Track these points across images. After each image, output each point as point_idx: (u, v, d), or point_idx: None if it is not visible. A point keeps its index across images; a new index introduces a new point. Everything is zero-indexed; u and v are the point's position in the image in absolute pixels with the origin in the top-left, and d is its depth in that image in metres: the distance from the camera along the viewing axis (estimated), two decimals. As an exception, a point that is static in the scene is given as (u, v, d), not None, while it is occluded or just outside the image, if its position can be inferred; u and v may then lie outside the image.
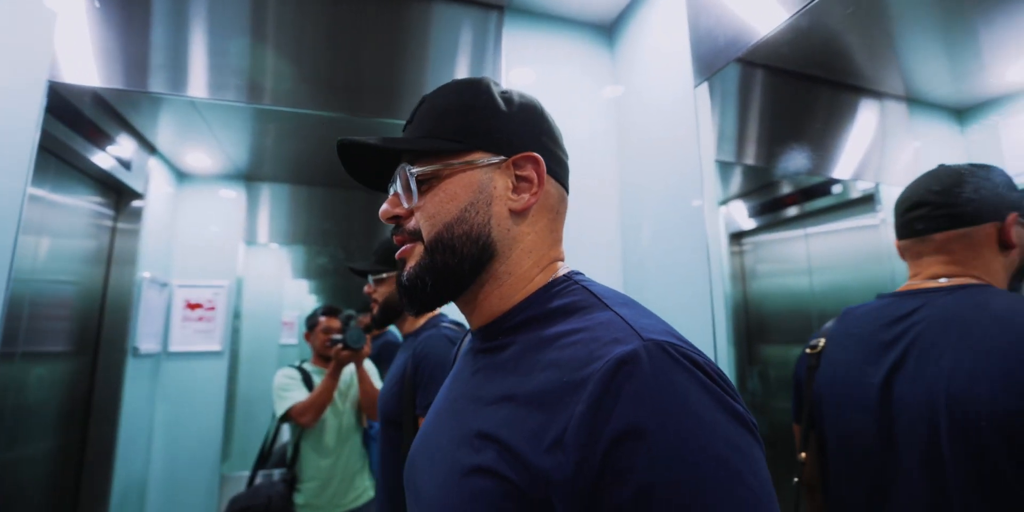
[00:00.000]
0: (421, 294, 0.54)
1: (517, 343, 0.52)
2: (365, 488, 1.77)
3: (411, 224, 0.55)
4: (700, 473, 0.37)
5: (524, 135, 0.57)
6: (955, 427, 0.68)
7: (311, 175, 2.10)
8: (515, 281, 0.55)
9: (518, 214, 0.55)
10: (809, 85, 1.22)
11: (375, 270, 1.39)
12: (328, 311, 1.87)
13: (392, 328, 2.03)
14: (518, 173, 0.56)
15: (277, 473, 1.77)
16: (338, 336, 1.72)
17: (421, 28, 1.60)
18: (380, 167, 0.61)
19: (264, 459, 1.75)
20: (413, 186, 0.54)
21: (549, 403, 0.43)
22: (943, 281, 0.82)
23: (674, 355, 0.41)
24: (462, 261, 0.54)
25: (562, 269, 0.57)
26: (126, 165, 1.81)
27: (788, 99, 1.30)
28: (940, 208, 0.84)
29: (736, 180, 1.54)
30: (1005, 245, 0.82)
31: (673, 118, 1.41)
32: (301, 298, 2.45)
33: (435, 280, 0.53)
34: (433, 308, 0.57)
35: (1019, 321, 0.68)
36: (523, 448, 0.42)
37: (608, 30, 1.70)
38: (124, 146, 1.79)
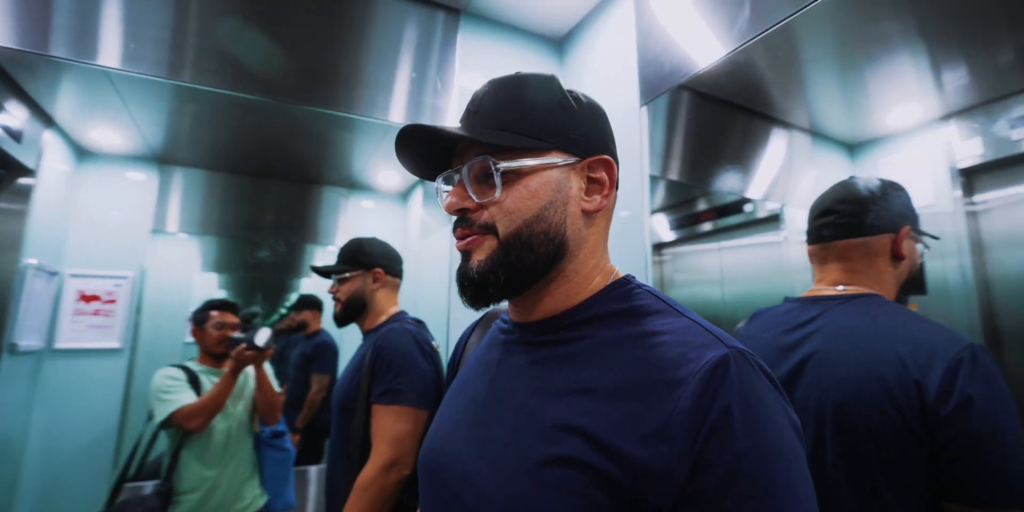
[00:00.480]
0: (491, 289, 0.54)
1: (587, 338, 0.54)
2: (255, 497, 1.64)
3: (483, 218, 0.55)
4: (773, 469, 0.43)
5: (595, 137, 0.59)
6: (839, 433, 0.74)
7: (231, 162, 1.97)
8: (580, 280, 0.58)
9: (588, 215, 0.58)
10: (735, 113, 1.39)
11: (339, 270, 1.39)
12: (220, 305, 1.70)
13: (329, 329, 1.96)
14: (591, 175, 0.58)
15: (150, 486, 1.59)
16: (238, 334, 1.59)
17: (366, 20, 1.58)
18: (434, 156, 0.60)
19: (128, 469, 1.55)
20: (498, 180, 0.54)
21: (641, 397, 0.46)
22: (840, 289, 0.90)
23: (752, 362, 0.47)
24: (538, 258, 0.55)
25: (616, 272, 0.60)
26: (15, 136, 1.59)
27: (716, 124, 1.46)
28: (844, 217, 0.91)
29: (660, 194, 1.70)
30: (896, 256, 0.90)
31: (618, 134, 1.53)
32: (211, 293, 2.29)
33: (508, 276, 0.54)
34: (497, 302, 0.57)
35: (896, 335, 0.76)
36: (613, 438, 0.45)
37: (559, 43, 1.80)
38: (14, 115, 1.58)
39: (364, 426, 1.22)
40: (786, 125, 1.36)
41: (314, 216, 1.93)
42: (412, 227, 1.85)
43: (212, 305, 1.69)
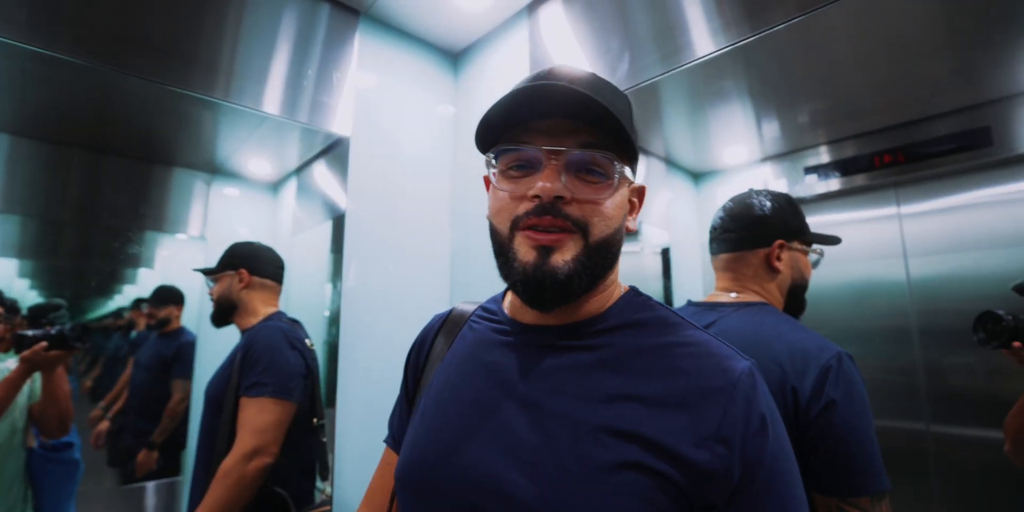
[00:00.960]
0: (572, 292, 0.53)
1: (613, 345, 0.55)
2: None
3: (576, 212, 0.52)
4: (786, 451, 0.51)
5: (636, 163, 0.60)
6: None
7: (45, 128, 1.65)
8: (611, 290, 0.60)
9: (625, 233, 0.59)
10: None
11: (210, 270, 1.46)
12: None
13: (191, 329, 1.72)
14: (632, 199, 0.60)
15: None
16: (30, 331, 1.32)
17: (240, 4, 1.48)
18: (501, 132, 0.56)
19: None
20: (616, 180, 0.53)
21: (688, 404, 0.49)
22: (733, 296, 0.99)
23: (760, 372, 0.53)
24: (606, 269, 0.56)
25: (622, 284, 0.63)
26: None
27: None
28: (726, 232, 1.01)
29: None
30: (772, 269, 0.98)
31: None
32: (8, 281, 1.89)
33: (588, 282, 0.53)
34: (560, 306, 0.55)
35: (779, 343, 0.84)
36: (670, 442, 0.47)
37: (455, 58, 1.87)
38: None
39: (232, 420, 1.25)
40: (645, 153, 1.57)
41: (162, 200, 1.69)
42: (283, 221, 1.74)
43: None
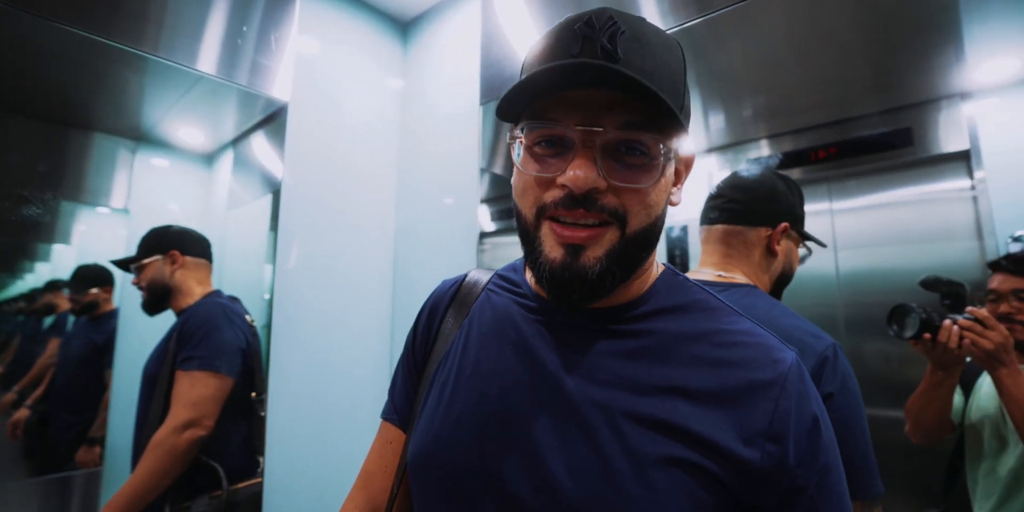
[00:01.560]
0: (605, 289, 0.48)
1: (655, 332, 0.51)
2: None
3: (611, 202, 0.46)
4: (835, 445, 0.48)
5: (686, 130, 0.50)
6: None
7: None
8: (650, 271, 0.55)
9: (669, 206, 0.52)
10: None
11: (134, 259, 1.41)
12: None
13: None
14: (677, 166, 0.51)
15: None
16: None
17: None
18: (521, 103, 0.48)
19: None
20: (662, 163, 0.46)
21: (737, 398, 0.46)
22: (719, 275, 0.91)
23: (801, 362, 0.51)
24: (648, 255, 0.51)
25: (658, 262, 0.57)
26: None
27: None
28: (731, 202, 0.93)
29: (485, 187, 1.81)
30: (771, 252, 0.92)
31: (457, 127, 1.59)
32: None
33: (623, 273, 0.48)
34: (592, 303, 0.50)
35: (771, 325, 0.80)
36: (719, 438, 0.44)
37: (404, 27, 1.80)
38: None
39: (165, 394, 1.26)
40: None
41: (80, 169, 1.54)
42: (218, 195, 1.63)
43: None
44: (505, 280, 0.62)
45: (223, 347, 1.30)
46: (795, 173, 1.40)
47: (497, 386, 0.52)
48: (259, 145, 1.63)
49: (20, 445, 1.46)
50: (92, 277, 1.57)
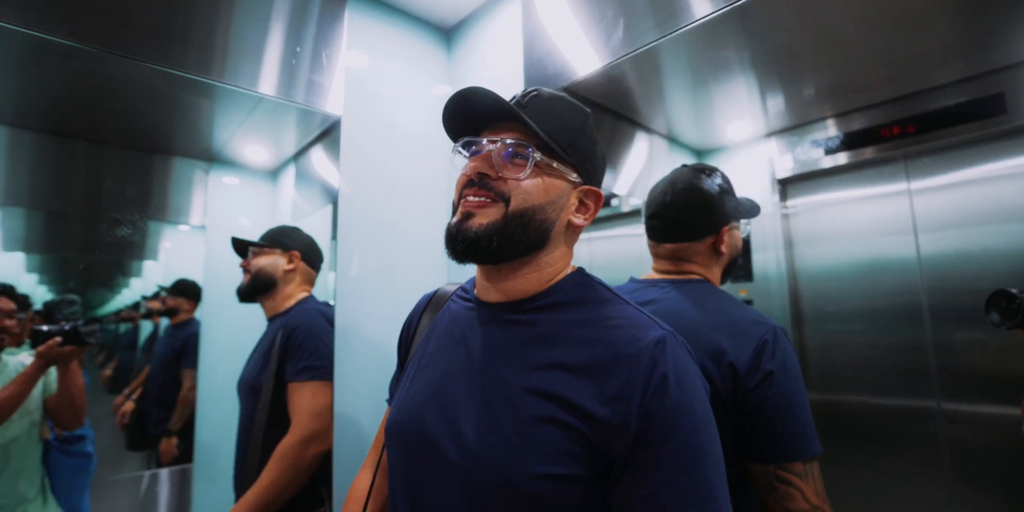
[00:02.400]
0: (482, 250, 0.64)
1: (552, 321, 0.66)
2: None
3: (501, 187, 0.65)
4: (696, 420, 0.57)
5: (599, 174, 0.73)
6: None
7: (45, 119, 1.65)
8: (550, 272, 0.69)
9: (571, 227, 0.71)
10: (605, 116, 1.52)
11: (257, 243, 1.43)
12: None
13: (198, 319, 1.73)
14: (583, 199, 0.71)
15: None
16: (45, 327, 1.34)
17: None
18: (468, 124, 0.70)
19: None
20: (531, 164, 0.65)
21: (603, 370, 0.59)
22: (674, 275, 1.01)
23: (679, 340, 0.63)
24: (526, 239, 0.65)
25: (572, 265, 0.73)
26: None
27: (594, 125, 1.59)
28: (672, 223, 1.00)
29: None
30: (718, 252, 1.01)
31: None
32: (16, 276, 1.92)
33: (500, 244, 0.64)
34: (476, 262, 0.67)
35: (717, 319, 0.88)
36: (585, 402, 0.57)
37: (448, 34, 1.83)
38: None
39: (270, 405, 1.27)
40: (648, 130, 1.54)
41: (163, 191, 1.69)
42: (282, 208, 1.73)
43: None
44: (463, 290, 0.81)
45: (331, 355, 1.32)
46: (866, 153, 1.31)
47: (441, 370, 0.69)
48: (318, 158, 1.70)
49: (122, 441, 1.61)
50: (184, 288, 1.74)
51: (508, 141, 0.66)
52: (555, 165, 0.67)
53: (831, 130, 1.36)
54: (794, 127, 1.41)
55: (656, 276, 1.04)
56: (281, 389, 1.30)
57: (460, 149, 0.71)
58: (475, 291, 0.76)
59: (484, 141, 0.67)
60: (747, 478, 0.85)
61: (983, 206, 1.17)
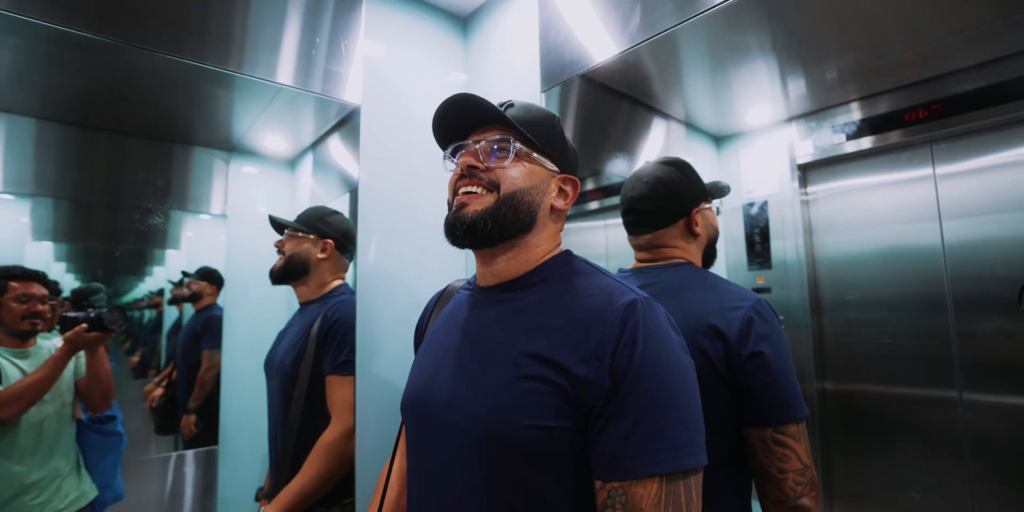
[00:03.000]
0: (478, 233, 0.71)
1: (538, 294, 0.73)
2: (82, 493, 1.44)
3: (490, 177, 0.73)
4: (660, 374, 0.62)
5: (572, 164, 0.82)
6: None
7: (70, 111, 1.68)
8: (536, 253, 0.77)
9: (554, 210, 0.78)
10: (622, 102, 1.51)
11: (294, 226, 1.43)
12: (22, 274, 1.44)
13: (220, 305, 1.78)
14: (562, 185, 0.79)
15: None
16: (72, 313, 1.40)
17: None
18: (455, 131, 0.80)
19: None
20: (512, 154, 0.73)
21: (580, 331, 0.65)
22: (659, 261, 1.07)
23: (653, 305, 0.67)
24: (516, 221, 0.73)
25: (560, 248, 0.80)
26: None
27: (606, 111, 1.57)
28: (644, 214, 1.06)
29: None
30: (692, 233, 1.06)
31: (518, 113, 1.58)
32: (46, 264, 1.97)
33: (494, 226, 0.71)
34: (473, 247, 0.74)
35: (707, 296, 0.94)
36: (564, 360, 0.64)
37: (464, 21, 1.82)
38: None
39: (307, 394, 1.29)
40: (665, 116, 1.52)
41: (184, 180, 1.72)
42: (301, 197, 1.75)
43: (10, 274, 1.40)
44: (468, 282, 0.88)
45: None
46: (890, 137, 1.28)
47: (442, 348, 0.78)
48: (335, 147, 1.72)
49: (150, 425, 1.66)
50: (208, 274, 1.77)
51: (491, 138, 0.74)
52: (534, 155, 0.75)
53: (853, 114, 1.33)
54: (815, 111, 1.38)
55: (641, 264, 1.09)
56: (318, 378, 1.32)
57: (450, 156, 0.80)
58: (476, 279, 0.83)
59: (470, 142, 0.76)
60: (746, 444, 0.90)
61: (1011, 192, 1.14)
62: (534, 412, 0.63)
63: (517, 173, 0.73)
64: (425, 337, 0.87)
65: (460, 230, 0.71)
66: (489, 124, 0.77)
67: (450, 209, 0.76)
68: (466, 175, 0.74)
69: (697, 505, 0.61)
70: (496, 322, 0.73)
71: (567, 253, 0.80)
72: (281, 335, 1.46)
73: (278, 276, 1.44)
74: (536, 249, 0.77)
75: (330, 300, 1.39)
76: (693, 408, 0.63)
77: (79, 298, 1.50)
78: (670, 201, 1.05)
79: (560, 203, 0.78)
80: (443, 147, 0.82)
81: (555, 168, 0.78)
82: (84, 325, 1.36)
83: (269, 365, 1.42)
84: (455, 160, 0.79)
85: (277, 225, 1.48)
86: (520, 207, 0.73)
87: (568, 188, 0.79)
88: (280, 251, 1.43)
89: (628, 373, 0.61)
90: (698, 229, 1.06)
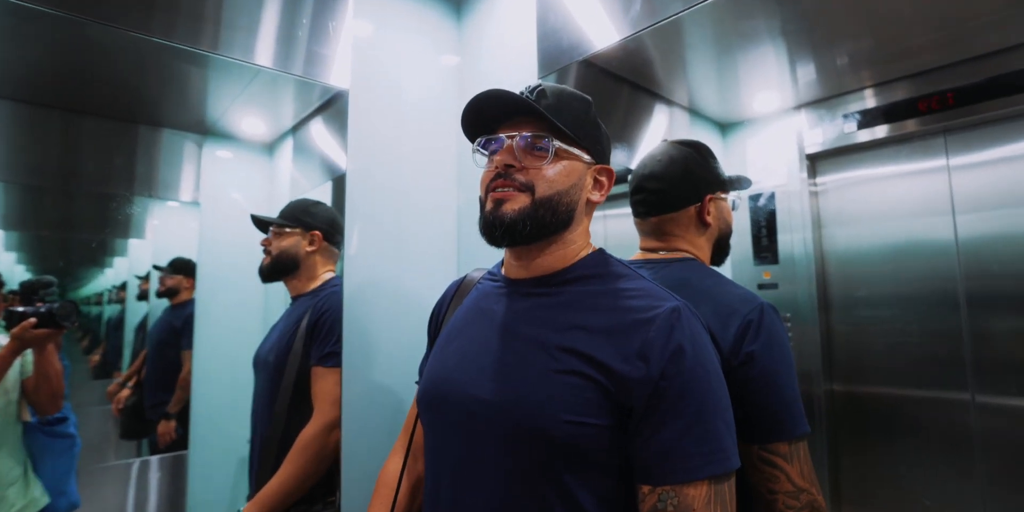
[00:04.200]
0: (517, 234, 0.69)
1: (575, 291, 0.72)
2: (31, 500, 1.32)
3: (523, 177, 0.70)
4: (709, 379, 0.64)
5: (606, 152, 0.80)
6: None
7: (22, 87, 1.54)
8: (574, 248, 0.75)
9: (589, 204, 0.76)
10: (622, 87, 1.45)
11: (278, 222, 1.39)
12: None
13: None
14: (597, 177, 0.77)
15: None
16: (20, 308, 1.29)
17: None
18: (483, 124, 0.77)
19: None
20: (551, 153, 0.70)
21: (622, 332, 0.65)
22: (661, 253, 1.00)
23: (692, 312, 0.68)
24: (555, 221, 0.71)
25: (593, 246, 0.79)
26: None
27: (606, 98, 1.49)
28: (654, 194, 0.98)
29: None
30: (703, 223, 0.99)
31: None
32: (-8, 256, 1.80)
33: (533, 227, 0.69)
34: (512, 245, 0.73)
35: (704, 298, 0.86)
36: (605, 358, 0.64)
37: (457, 2, 1.73)
38: None
39: (293, 387, 1.26)
40: (668, 102, 1.45)
41: (151, 165, 1.59)
42: (280, 183, 1.64)
43: None
44: (491, 273, 0.87)
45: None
46: (903, 126, 1.23)
47: (469, 337, 0.76)
48: (318, 132, 1.62)
49: (114, 429, 1.54)
50: (182, 266, 1.66)
51: (526, 134, 0.70)
52: (572, 150, 0.72)
53: (866, 101, 1.28)
54: (825, 99, 1.32)
55: (643, 256, 1.02)
56: (305, 372, 1.30)
57: (480, 148, 0.77)
58: (503, 271, 0.82)
59: (503, 136, 0.72)
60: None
61: (1030, 184, 1.09)
62: (574, 407, 0.62)
63: (555, 173, 0.71)
64: (444, 327, 0.85)
65: (499, 230, 0.70)
66: (522, 115, 0.73)
67: (482, 207, 0.74)
68: (502, 174, 0.71)
69: (734, 505, 0.63)
70: (530, 316, 0.72)
71: (601, 252, 0.79)
72: (272, 330, 1.43)
73: (268, 274, 1.41)
74: (572, 245, 0.75)
75: (321, 292, 1.37)
76: (730, 412, 0.66)
77: (28, 291, 1.38)
78: (683, 182, 0.98)
79: (596, 196, 0.77)
80: (471, 138, 0.79)
81: (590, 160, 0.75)
82: (32, 320, 1.25)
83: (257, 360, 1.39)
84: (486, 154, 0.76)
85: (261, 223, 1.43)
86: (559, 208, 0.71)
87: (604, 179, 0.78)
88: (266, 250, 1.39)
89: (678, 379, 0.62)
90: (710, 219, 0.99)
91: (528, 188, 0.70)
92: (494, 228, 0.70)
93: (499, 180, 0.71)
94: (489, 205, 0.72)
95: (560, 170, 0.71)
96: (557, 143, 0.70)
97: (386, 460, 0.95)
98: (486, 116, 0.75)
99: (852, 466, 1.29)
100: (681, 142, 1.03)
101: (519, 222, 0.69)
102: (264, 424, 1.31)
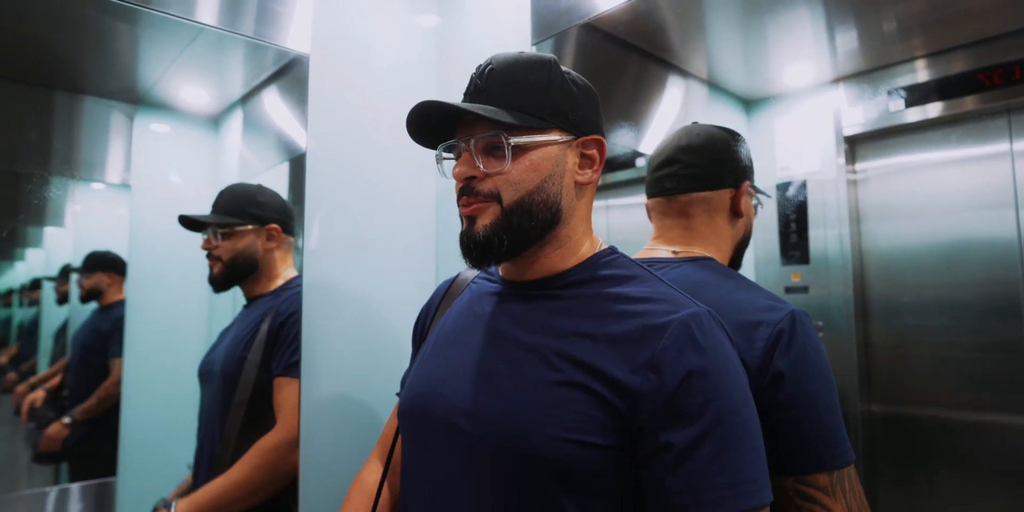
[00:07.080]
0: (495, 251, 0.64)
1: (583, 295, 0.67)
2: None
3: (487, 186, 0.65)
4: (734, 397, 0.57)
5: (590, 119, 0.69)
6: None
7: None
8: (573, 245, 0.70)
9: (580, 187, 0.69)
10: (630, 55, 1.30)
11: (224, 222, 1.22)
12: None
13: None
14: (584, 152, 0.69)
15: None
16: None
17: None
18: (442, 129, 0.70)
19: None
20: (508, 153, 0.63)
21: (633, 340, 0.59)
22: (675, 251, 0.91)
23: (716, 319, 0.62)
24: (536, 224, 0.65)
25: (602, 242, 0.74)
26: None
27: (610, 67, 1.35)
28: (689, 167, 0.89)
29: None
30: (736, 213, 0.92)
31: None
32: None
33: (510, 239, 0.64)
34: (498, 263, 0.69)
35: (723, 306, 0.76)
36: (610, 370, 0.58)
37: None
38: None
39: (248, 402, 1.17)
40: (683, 73, 1.33)
41: (70, 139, 1.35)
42: (227, 163, 1.43)
43: None
44: (487, 273, 0.81)
45: None
46: (960, 104, 1.10)
47: (460, 345, 0.72)
48: (272, 104, 1.42)
49: (28, 451, 1.32)
50: (100, 262, 1.43)
51: (478, 137, 0.65)
52: (537, 139, 0.65)
53: (916, 74, 1.13)
54: (868, 71, 1.18)
55: (653, 254, 0.93)
56: (265, 383, 1.20)
57: (444, 154, 0.72)
58: (499, 271, 0.77)
59: (460, 142, 0.67)
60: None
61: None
62: (573, 423, 0.57)
63: (520, 172, 0.65)
64: (432, 332, 0.81)
65: (477, 251, 0.65)
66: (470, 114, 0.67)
67: (462, 223, 0.70)
68: (463, 191, 0.67)
69: None
70: (530, 321, 0.67)
71: (611, 250, 0.73)
72: (222, 335, 1.29)
73: (222, 283, 1.24)
74: (570, 242, 0.70)
75: (283, 293, 1.25)
76: (760, 436, 0.59)
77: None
78: (725, 161, 0.89)
79: (585, 176, 0.69)
80: (431, 147, 0.73)
81: (567, 137, 0.67)
82: None
83: (205, 370, 1.26)
84: (450, 156, 0.71)
85: (194, 224, 1.24)
86: (534, 209, 0.65)
87: (593, 152, 0.69)
88: (212, 255, 1.22)
89: (701, 393, 0.56)
90: (743, 208, 0.91)
91: (494, 197, 0.65)
92: (470, 249, 0.66)
93: (464, 196, 0.66)
94: (464, 224, 0.68)
95: (526, 166, 0.65)
96: (515, 139, 0.63)
97: (361, 469, 0.91)
98: (436, 124, 0.70)
99: (892, 501, 1.19)
100: (716, 125, 0.94)
101: (492, 238, 0.64)
102: (211, 445, 1.20)
